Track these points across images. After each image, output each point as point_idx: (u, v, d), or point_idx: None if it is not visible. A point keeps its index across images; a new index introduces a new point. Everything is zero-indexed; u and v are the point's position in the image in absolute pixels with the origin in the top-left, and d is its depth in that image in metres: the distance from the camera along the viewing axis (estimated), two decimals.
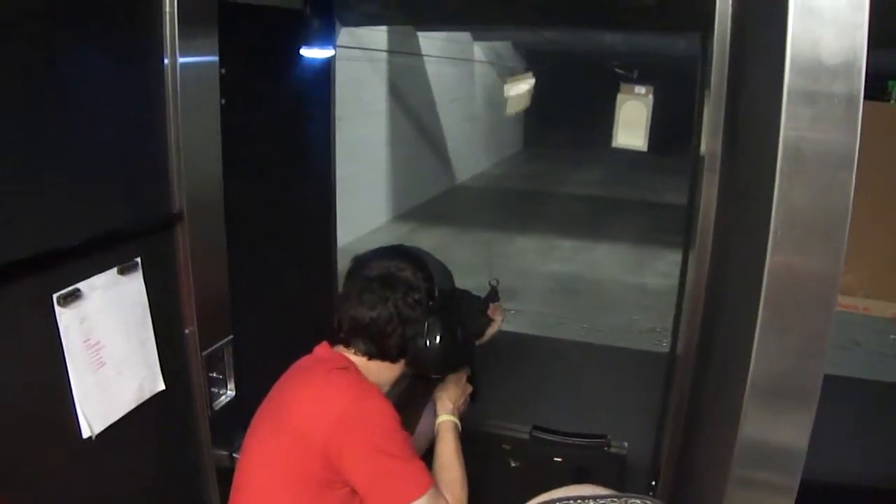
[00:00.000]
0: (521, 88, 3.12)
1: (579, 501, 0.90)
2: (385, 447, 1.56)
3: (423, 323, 1.73)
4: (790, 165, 0.94)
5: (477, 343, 2.02)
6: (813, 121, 0.93)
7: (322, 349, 1.77)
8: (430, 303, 1.74)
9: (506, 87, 3.11)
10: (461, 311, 1.86)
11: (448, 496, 1.63)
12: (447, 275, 1.85)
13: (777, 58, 0.95)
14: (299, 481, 1.59)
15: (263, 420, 1.72)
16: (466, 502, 1.68)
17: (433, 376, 1.90)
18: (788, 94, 0.93)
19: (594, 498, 0.91)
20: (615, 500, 0.91)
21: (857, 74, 0.91)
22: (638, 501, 0.91)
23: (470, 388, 2.00)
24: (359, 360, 1.73)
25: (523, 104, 3.12)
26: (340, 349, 1.76)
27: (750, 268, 1.06)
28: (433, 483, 1.59)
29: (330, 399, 1.61)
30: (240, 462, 1.73)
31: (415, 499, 1.53)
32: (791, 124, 0.94)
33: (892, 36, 1.31)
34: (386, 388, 1.75)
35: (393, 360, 1.75)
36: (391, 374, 1.78)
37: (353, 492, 1.60)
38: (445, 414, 1.88)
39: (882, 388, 3.21)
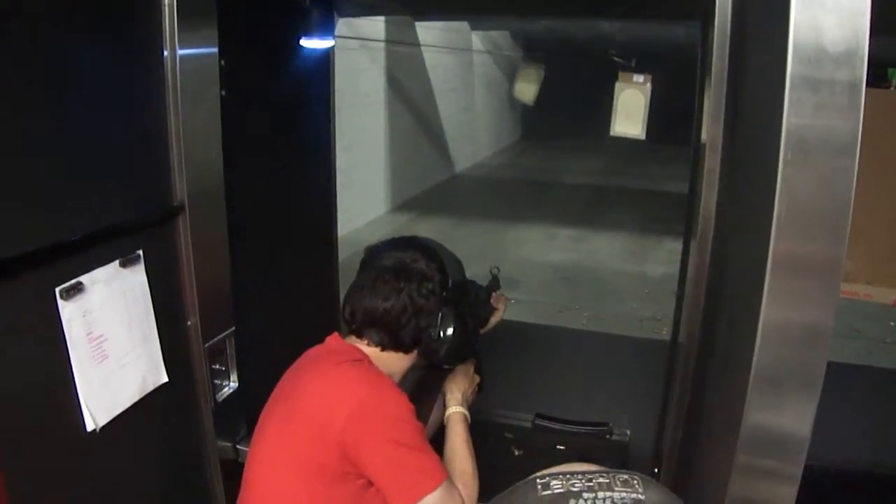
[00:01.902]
0: (530, 77, 3.13)
1: (569, 476, 0.91)
2: (401, 438, 1.56)
3: (437, 313, 1.74)
4: (793, 153, 0.94)
5: (481, 331, 2.02)
6: (816, 108, 0.93)
7: (334, 340, 1.77)
8: (444, 293, 1.75)
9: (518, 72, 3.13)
10: (470, 301, 1.87)
11: (460, 487, 1.63)
12: (458, 265, 1.86)
13: (779, 46, 0.95)
14: (314, 473, 1.59)
15: (275, 412, 1.72)
16: (477, 493, 1.68)
17: (445, 367, 1.90)
18: (791, 81, 0.93)
19: (584, 472, 0.92)
20: (604, 474, 0.91)
21: (860, 62, 0.91)
22: (626, 476, 0.91)
23: (478, 379, 2.01)
24: (372, 352, 1.74)
25: (531, 94, 3.14)
26: (353, 340, 1.76)
27: (753, 255, 1.06)
28: (447, 474, 1.60)
29: (345, 391, 1.61)
30: (251, 454, 1.73)
31: (430, 490, 1.54)
32: (794, 112, 0.93)
33: (891, 23, 1.30)
34: (398, 379, 1.75)
35: (406, 350, 1.75)
36: (404, 365, 1.78)
37: (368, 484, 1.60)
38: (455, 405, 1.89)
39: (882, 375, 3.22)
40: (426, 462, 1.58)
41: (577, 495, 0.88)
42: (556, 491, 0.90)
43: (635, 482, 0.90)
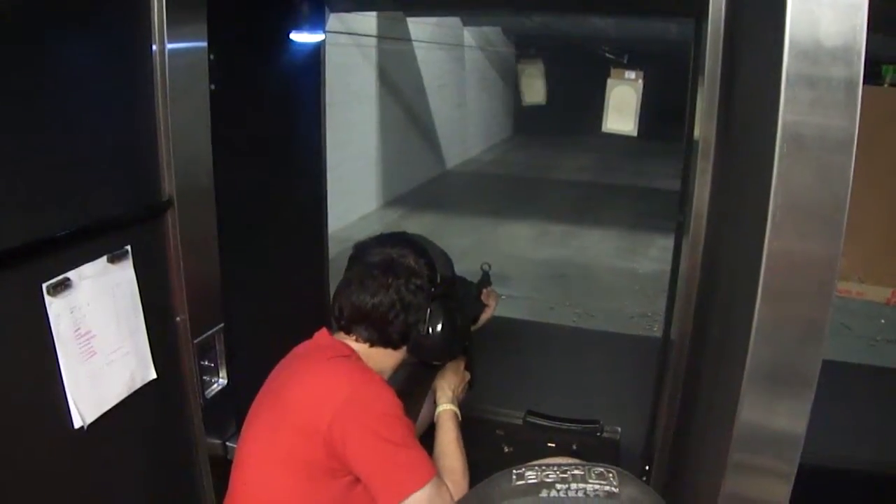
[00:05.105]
0: (533, 76, 3.11)
1: (545, 467, 0.90)
2: (389, 435, 1.55)
3: (426, 309, 1.73)
4: (789, 150, 0.93)
5: (472, 328, 2.02)
6: (812, 105, 0.92)
7: (322, 336, 1.76)
8: (432, 289, 1.74)
9: (518, 69, 3.11)
10: (459, 297, 1.86)
11: (450, 484, 1.62)
12: (447, 261, 1.85)
13: (775, 41, 0.94)
14: (302, 470, 1.59)
15: (263, 408, 1.71)
16: (467, 490, 1.67)
17: (434, 363, 1.89)
18: (787, 77, 0.92)
19: (560, 464, 0.92)
20: (580, 467, 0.91)
21: (857, 57, 0.90)
22: (601, 469, 0.91)
23: (468, 376, 2.00)
24: (360, 348, 1.73)
25: (541, 93, 3.13)
26: (341, 336, 1.75)
27: (747, 252, 1.06)
28: (436, 471, 1.59)
29: (333, 387, 1.60)
30: (238, 451, 1.72)
31: (419, 488, 1.52)
32: (790, 108, 0.93)
33: (886, 20, 1.30)
34: (387, 376, 1.75)
35: (395, 346, 1.74)
36: (393, 361, 1.77)
37: (356, 480, 1.59)
38: (445, 403, 1.88)
39: (873, 374, 3.23)
40: (414, 459, 1.57)
41: (550, 486, 0.88)
42: (530, 481, 0.90)
43: (611, 475, 0.90)
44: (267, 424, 1.67)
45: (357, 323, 1.72)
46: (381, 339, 1.72)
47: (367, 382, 1.62)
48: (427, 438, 1.80)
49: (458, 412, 1.88)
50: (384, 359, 1.75)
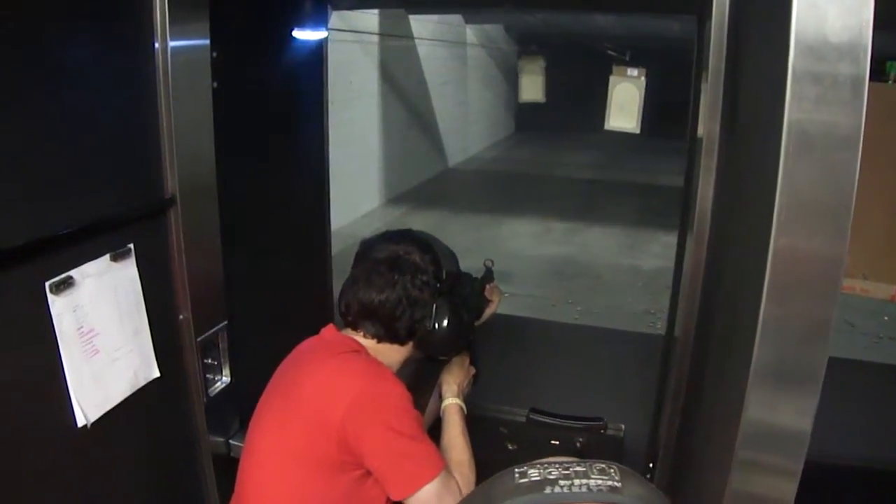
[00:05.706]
0: (533, 72, 3.11)
1: (547, 465, 0.90)
2: (400, 428, 1.57)
3: (431, 305, 1.75)
4: (795, 147, 0.93)
5: (476, 323, 2.03)
6: (818, 102, 0.91)
7: (329, 332, 1.78)
8: (438, 285, 1.75)
9: (519, 65, 3.11)
10: (464, 293, 1.88)
11: (457, 476, 1.64)
12: (452, 258, 1.87)
13: (781, 37, 0.93)
14: (313, 464, 1.60)
15: (271, 405, 1.72)
16: (474, 482, 1.69)
17: (440, 358, 1.91)
18: (793, 74, 0.91)
19: (562, 462, 0.92)
20: (582, 464, 0.90)
21: (863, 53, 0.89)
22: (603, 465, 0.90)
23: (473, 370, 2.01)
24: (368, 343, 1.75)
25: (539, 91, 3.12)
26: (348, 332, 1.77)
27: (753, 249, 1.05)
28: (445, 464, 1.61)
29: (345, 381, 1.62)
30: (247, 447, 1.73)
31: (429, 480, 1.55)
32: (796, 105, 0.92)
33: (890, 16, 1.29)
34: (395, 371, 1.76)
35: (402, 342, 1.76)
36: (400, 356, 1.79)
37: (365, 474, 1.61)
38: (451, 397, 1.90)
39: (878, 371, 3.21)
40: (425, 451, 1.59)
41: (554, 482, 0.88)
42: (533, 479, 0.90)
43: (612, 471, 0.89)
44: (276, 420, 1.68)
45: (365, 319, 1.74)
46: (388, 334, 1.74)
47: (379, 376, 1.64)
48: (433, 433, 1.81)
49: (463, 406, 1.90)
50: (391, 354, 1.76)
